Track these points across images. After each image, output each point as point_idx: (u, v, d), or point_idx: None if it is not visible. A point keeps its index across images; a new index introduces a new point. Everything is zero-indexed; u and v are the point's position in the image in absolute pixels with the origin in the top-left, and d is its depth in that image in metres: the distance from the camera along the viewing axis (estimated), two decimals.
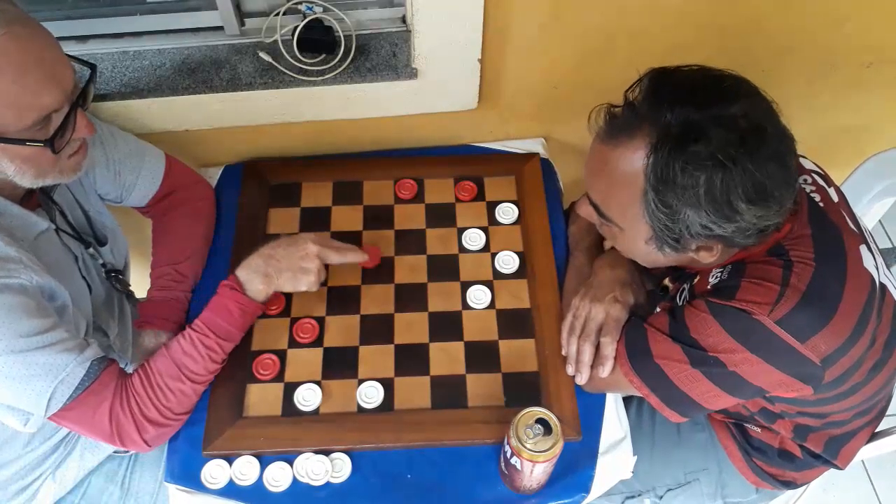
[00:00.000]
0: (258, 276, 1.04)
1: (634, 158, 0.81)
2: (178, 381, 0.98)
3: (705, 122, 0.77)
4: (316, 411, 1.05)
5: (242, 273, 1.04)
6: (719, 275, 0.91)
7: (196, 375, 0.99)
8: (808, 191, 0.92)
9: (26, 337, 0.85)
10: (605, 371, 0.99)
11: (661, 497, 1.21)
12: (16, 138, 0.83)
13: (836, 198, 0.94)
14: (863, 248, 0.89)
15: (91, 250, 1.07)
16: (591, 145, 0.88)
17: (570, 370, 1.05)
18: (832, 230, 0.88)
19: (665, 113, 0.79)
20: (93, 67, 0.92)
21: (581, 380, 1.03)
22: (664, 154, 0.79)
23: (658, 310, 1.05)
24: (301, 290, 1.07)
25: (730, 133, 0.77)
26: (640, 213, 0.85)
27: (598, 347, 1.01)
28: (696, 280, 0.97)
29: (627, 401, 1.21)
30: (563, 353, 1.06)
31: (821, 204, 0.91)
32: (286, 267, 1.05)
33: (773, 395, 0.90)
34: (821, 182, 0.95)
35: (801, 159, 0.98)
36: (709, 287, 0.91)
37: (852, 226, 0.91)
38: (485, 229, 1.25)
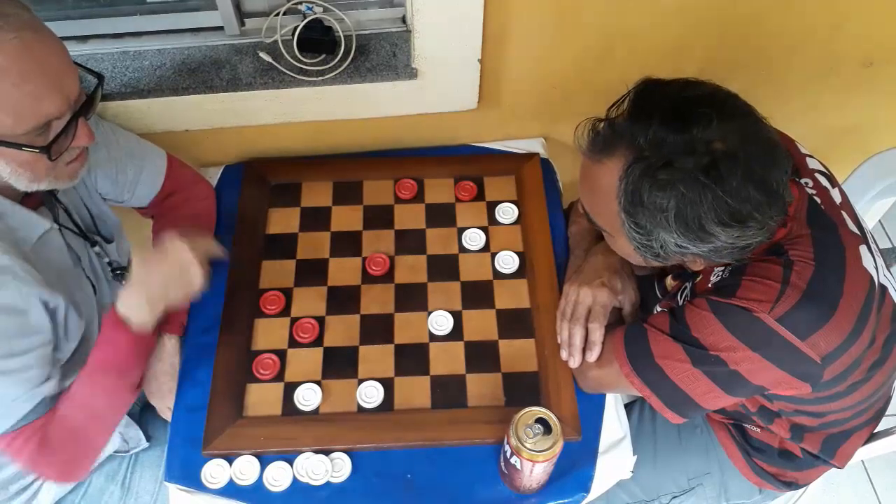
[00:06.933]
0: (144, 307, 0.93)
1: (611, 177, 0.83)
2: (91, 421, 0.97)
3: (677, 146, 0.77)
4: (316, 411, 1.05)
5: (123, 307, 0.93)
6: (721, 273, 0.91)
7: (108, 414, 0.99)
8: (809, 193, 0.92)
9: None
10: (592, 356, 1.02)
11: None
12: (12, 142, 0.83)
13: (838, 199, 0.94)
14: (862, 249, 0.89)
15: (97, 249, 1.07)
16: (581, 158, 0.89)
17: (563, 354, 1.06)
18: (831, 230, 0.88)
19: (640, 135, 0.79)
20: (100, 78, 0.92)
21: (574, 363, 1.05)
22: (634, 177, 0.80)
23: (658, 308, 1.06)
24: (197, 287, 0.97)
25: (700, 158, 0.76)
26: (620, 227, 0.86)
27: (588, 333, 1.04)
28: (697, 279, 0.97)
29: (629, 407, 1.21)
30: (558, 339, 1.08)
31: (821, 205, 0.91)
32: (168, 280, 0.95)
33: (771, 392, 0.90)
34: (824, 183, 0.95)
35: (809, 159, 0.98)
36: (710, 286, 0.92)
37: (853, 226, 0.91)
38: (485, 229, 1.25)
